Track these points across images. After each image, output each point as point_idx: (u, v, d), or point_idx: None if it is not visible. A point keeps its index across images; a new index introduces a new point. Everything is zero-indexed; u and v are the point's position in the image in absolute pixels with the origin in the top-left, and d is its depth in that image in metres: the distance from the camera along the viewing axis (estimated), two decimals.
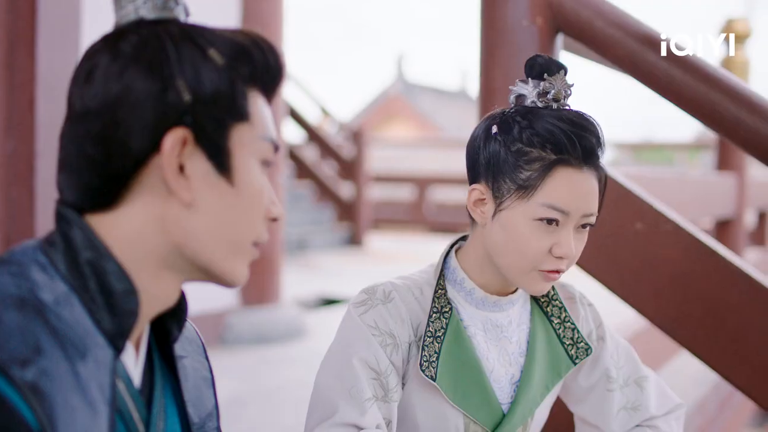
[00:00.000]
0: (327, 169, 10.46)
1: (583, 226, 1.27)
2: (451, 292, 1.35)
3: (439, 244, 10.91)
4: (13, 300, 0.80)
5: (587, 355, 1.39)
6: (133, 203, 0.89)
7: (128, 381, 0.92)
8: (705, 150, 16.85)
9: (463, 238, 1.40)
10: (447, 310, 1.32)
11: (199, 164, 0.88)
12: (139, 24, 0.90)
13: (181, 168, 0.87)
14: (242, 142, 0.90)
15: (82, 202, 0.90)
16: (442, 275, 1.35)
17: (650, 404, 1.44)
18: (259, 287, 4.63)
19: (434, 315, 1.30)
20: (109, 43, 0.89)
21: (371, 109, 26.48)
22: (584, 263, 1.90)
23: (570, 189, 1.23)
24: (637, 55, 1.96)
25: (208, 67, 0.88)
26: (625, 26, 1.97)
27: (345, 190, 10.08)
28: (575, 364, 1.39)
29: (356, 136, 10.16)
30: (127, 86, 0.86)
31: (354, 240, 9.82)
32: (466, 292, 1.34)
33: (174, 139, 0.86)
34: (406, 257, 9.16)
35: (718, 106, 1.90)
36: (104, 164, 0.87)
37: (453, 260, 1.37)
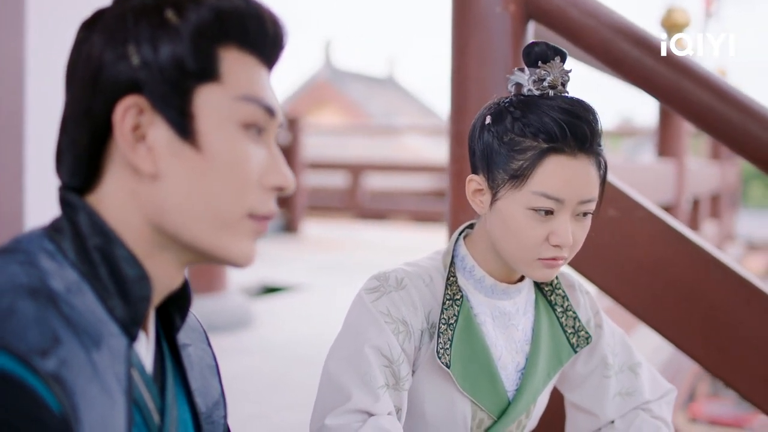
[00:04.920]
0: None
1: (584, 214, 1.27)
2: (461, 280, 1.35)
3: (374, 231, 10.98)
4: (25, 289, 0.77)
5: (587, 343, 1.41)
6: (108, 181, 0.86)
7: (141, 369, 0.89)
8: (627, 138, 17.31)
9: (471, 226, 1.39)
10: (458, 297, 1.32)
11: (160, 132, 0.84)
12: (118, 2, 0.87)
13: (145, 138, 0.84)
14: (210, 104, 0.85)
15: (72, 185, 0.87)
16: (452, 262, 1.34)
17: (644, 389, 1.46)
18: (206, 275, 4.56)
19: (447, 302, 1.30)
20: (86, 22, 0.88)
21: (300, 96, 26.29)
22: None
23: (562, 176, 1.23)
24: (609, 43, 1.98)
25: (163, 30, 0.84)
26: (597, 15, 1.99)
27: None
28: (576, 351, 1.41)
29: (291, 123, 10.08)
30: (86, 57, 0.85)
31: (290, 227, 9.76)
32: (475, 280, 1.34)
33: (124, 107, 0.83)
34: (343, 244, 9.17)
35: (690, 94, 1.93)
36: (75, 140, 0.85)
37: (462, 248, 1.36)
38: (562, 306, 1.42)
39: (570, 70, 1.30)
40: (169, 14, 0.84)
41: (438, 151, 16.50)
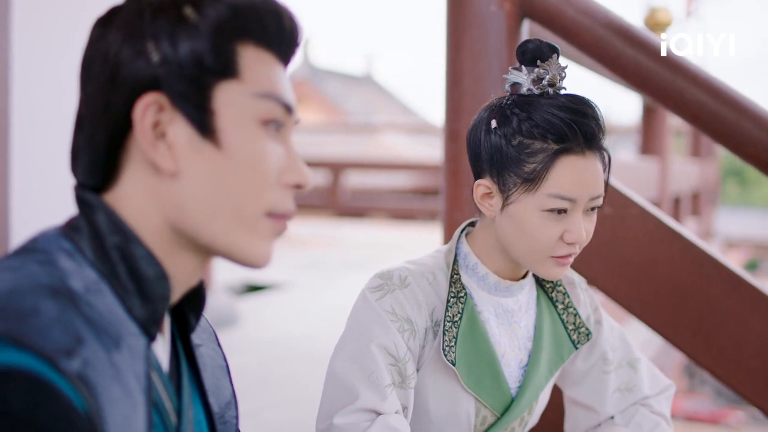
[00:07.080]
0: None
1: (592, 208, 1.28)
2: (464, 278, 1.35)
3: (355, 228, 10.98)
4: (46, 289, 0.76)
5: (588, 339, 1.42)
6: (126, 180, 0.85)
7: (159, 369, 0.88)
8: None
9: (472, 224, 1.40)
10: (462, 295, 1.32)
11: (181, 130, 0.83)
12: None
13: (165, 135, 0.83)
14: (230, 101, 0.84)
15: (89, 184, 0.86)
16: (455, 260, 1.35)
17: (644, 385, 1.47)
18: None
19: (451, 300, 1.30)
20: (100, 20, 0.87)
21: None
22: None
23: (575, 176, 1.24)
24: (604, 41, 1.99)
25: (182, 27, 0.83)
26: (592, 13, 2.00)
27: None
28: (576, 348, 1.41)
29: None
30: (102, 55, 0.84)
31: None
32: (478, 278, 1.35)
33: (144, 105, 0.82)
34: (324, 243, 9.16)
35: (684, 92, 1.95)
36: (92, 139, 0.85)
37: (465, 246, 1.36)
38: (563, 303, 1.43)
39: (566, 66, 1.30)
40: (188, 11, 0.83)
41: (416, 148, 16.52)
